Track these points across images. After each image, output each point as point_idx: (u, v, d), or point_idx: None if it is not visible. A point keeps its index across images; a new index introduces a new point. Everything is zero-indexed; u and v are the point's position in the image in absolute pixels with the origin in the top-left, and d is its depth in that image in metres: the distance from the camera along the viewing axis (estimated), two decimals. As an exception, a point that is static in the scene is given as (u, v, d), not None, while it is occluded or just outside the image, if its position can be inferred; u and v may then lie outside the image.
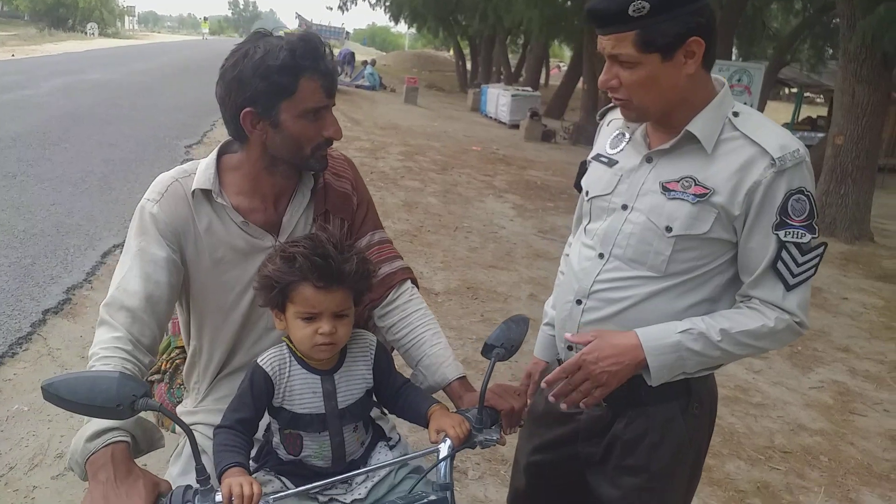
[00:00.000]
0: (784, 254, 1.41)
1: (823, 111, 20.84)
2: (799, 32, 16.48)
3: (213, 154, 1.53)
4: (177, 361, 1.76)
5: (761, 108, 12.24)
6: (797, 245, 1.41)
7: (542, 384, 1.57)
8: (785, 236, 1.40)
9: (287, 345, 1.39)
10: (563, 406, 1.52)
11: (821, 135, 12.86)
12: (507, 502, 1.95)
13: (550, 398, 1.54)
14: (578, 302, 1.56)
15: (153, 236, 1.44)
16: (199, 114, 12.06)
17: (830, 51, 16.44)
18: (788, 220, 1.40)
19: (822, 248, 1.43)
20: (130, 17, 75.55)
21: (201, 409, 1.59)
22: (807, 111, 21.31)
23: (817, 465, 3.43)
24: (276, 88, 1.39)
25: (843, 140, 8.25)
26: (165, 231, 1.45)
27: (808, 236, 1.41)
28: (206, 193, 1.48)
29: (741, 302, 1.49)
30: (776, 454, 3.49)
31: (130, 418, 1.16)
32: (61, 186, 6.50)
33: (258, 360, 1.38)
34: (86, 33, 44.00)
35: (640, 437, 1.54)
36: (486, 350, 1.44)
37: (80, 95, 12.59)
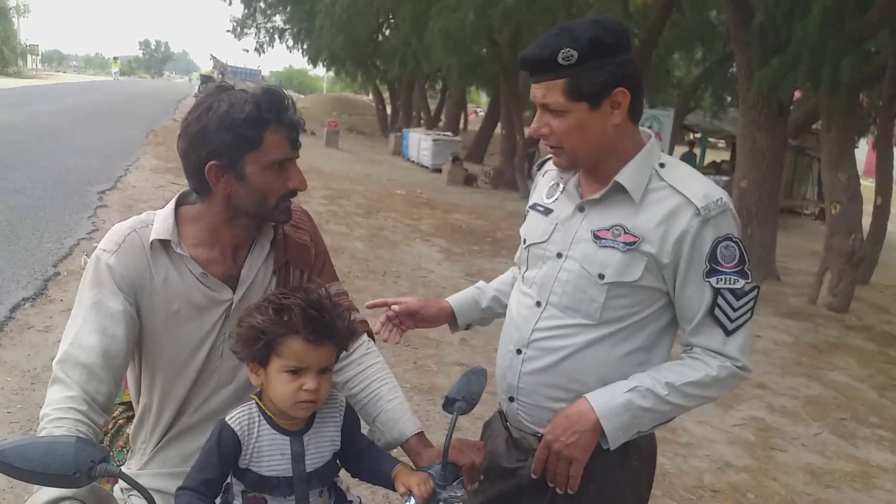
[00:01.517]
0: (720, 300, 1.46)
1: (726, 155, 22.06)
2: (701, 81, 17.52)
3: (171, 204, 1.50)
4: (120, 421, 1.67)
5: (670, 153, 12.86)
6: (731, 291, 1.46)
7: (532, 475, 1.57)
8: (717, 283, 1.46)
9: (256, 403, 1.34)
10: (569, 491, 1.53)
11: (725, 178, 13.57)
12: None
13: (558, 490, 1.54)
14: (518, 351, 1.58)
15: (109, 288, 1.39)
16: (111, 158, 11.64)
17: (730, 98, 17.48)
18: (719, 268, 1.45)
19: (756, 290, 1.49)
20: (34, 56, 72.77)
21: (146, 472, 1.51)
22: (710, 156, 22.48)
23: (745, 503, 3.54)
24: (241, 141, 1.38)
25: (747, 183, 8.75)
26: (122, 283, 1.40)
27: (742, 282, 1.46)
28: (165, 244, 1.44)
29: (684, 351, 1.54)
30: (706, 493, 3.58)
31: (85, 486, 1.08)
32: (-37, 236, 6.11)
33: (226, 419, 1.32)
34: (-15, 72, 42.13)
35: (581, 489, 1.55)
36: (448, 404, 1.43)
37: (-20, 138, 11.95)
